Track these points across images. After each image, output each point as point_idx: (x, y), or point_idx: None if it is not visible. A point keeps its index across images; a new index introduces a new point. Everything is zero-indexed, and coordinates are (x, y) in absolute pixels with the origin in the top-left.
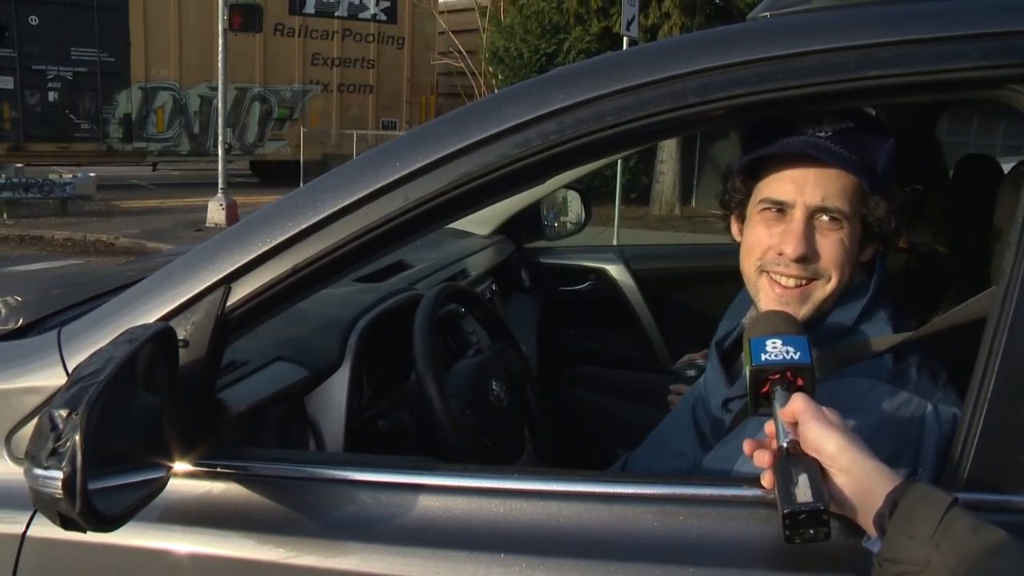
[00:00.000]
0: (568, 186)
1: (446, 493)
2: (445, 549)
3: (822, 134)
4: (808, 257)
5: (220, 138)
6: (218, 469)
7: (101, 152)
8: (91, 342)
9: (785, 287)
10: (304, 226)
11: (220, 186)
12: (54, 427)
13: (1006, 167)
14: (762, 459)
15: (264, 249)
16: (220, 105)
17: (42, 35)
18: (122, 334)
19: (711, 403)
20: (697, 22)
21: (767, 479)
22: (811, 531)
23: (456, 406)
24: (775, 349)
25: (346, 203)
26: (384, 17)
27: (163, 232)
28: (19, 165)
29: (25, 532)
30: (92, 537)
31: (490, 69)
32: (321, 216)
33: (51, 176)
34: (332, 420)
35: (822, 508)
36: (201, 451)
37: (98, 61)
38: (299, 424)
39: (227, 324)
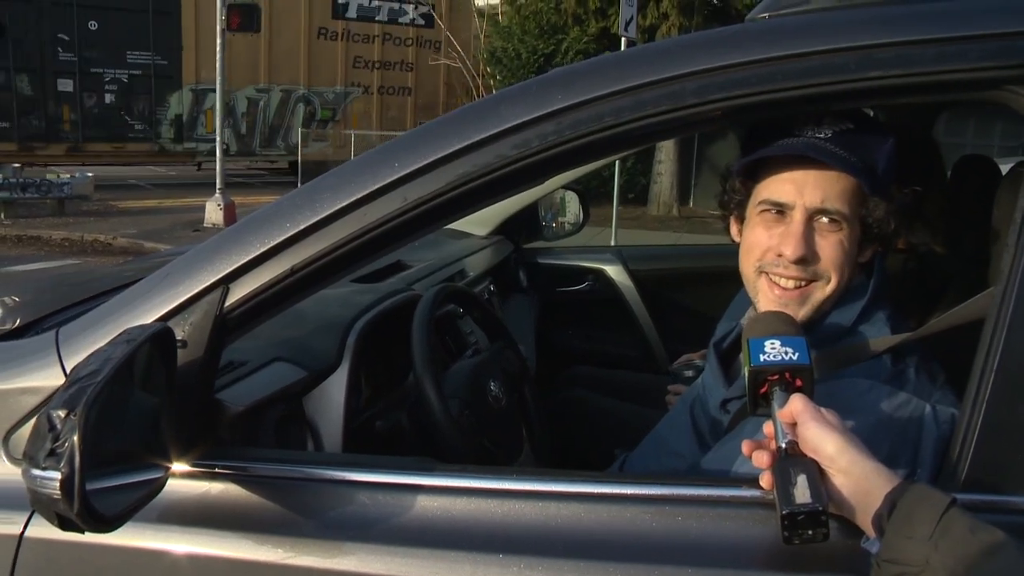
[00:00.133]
0: (566, 187)
1: (444, 494)
2: (443, 549)
3: (821, 135)
4: (807, 259)
5: (218, 138)
6: (216, 470)
7: (153, 152)
8: (89, 342)
9: (784, 288)
10: (302, 227)
11: (218, 186)
12: (52, 428)
13: (1004, 168)
14: (760, 460)
15: (262, 250)
16: (218, 105)
17: (100, 40)
18: (120, 334)
19: (709, 404)
20: (695, 23)
21: (766, 480)
22: (810, 532)
23: (454, 406)
24: (774, 350)
25: (344, 204)
26: (422, 22)
27: (161, 232)
28: (16, 165)
29: (23, 532)
30: (90, 538)
31: (488, 70)
32: (319, 217)
33: (49, 176)
34: (330, 420)
35: (821, 509)
36: (199, 451)
37: (152, 64)
38: (297, 424)
39: (225, 324)
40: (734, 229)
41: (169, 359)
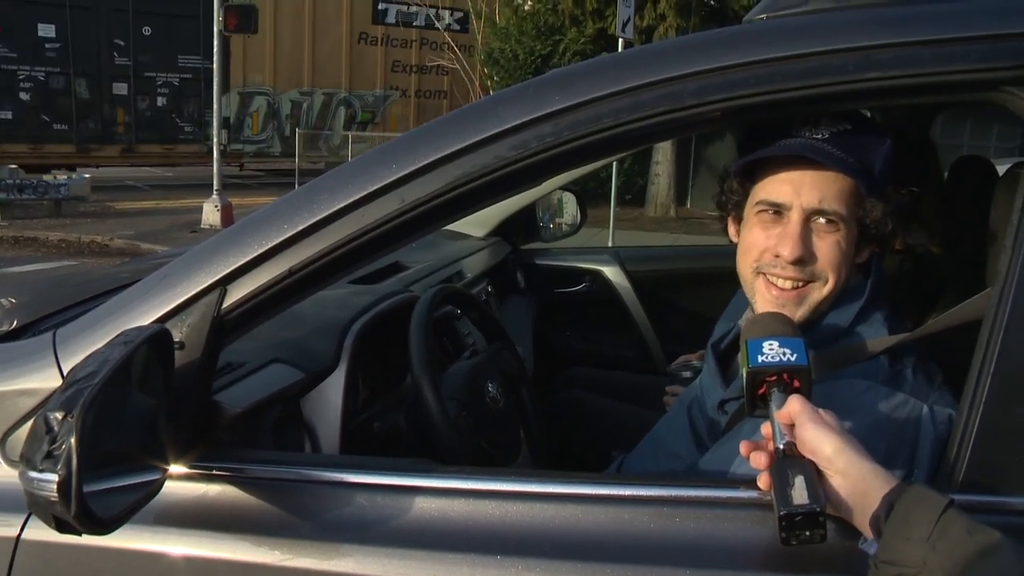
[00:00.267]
0: (564, 188)
1: (442, 495)
2: (441, 551)
3: (819, 136)
4: (805, 259)
5: (215, 139)
6: (214, 471)
7: (202, 153)
8: (86, 344)
9: (782, 289)
10: (300, 228)
11: (215, 187)
12: (49, 430)
13: (1000, 169)
14: (758, 461)
15: (260, 251)
16: (215, 106)
17: (153, 44)
18: (118, 336)
19: (707, 405)
20: (692, 24)
21: (763, 481)
22: (807, 533)
23: (452, 408)
24: (772, 351)
25: (342, 205)
26: (457, 27)
27: (158, 233)
28: (13, 166)
29: (19, 535)
30: (87, 540)
31: (485, 70)
32: (317, 218)
33: (45, 177)
34: (328, 422)
35: (818, 510)
36: (197, 453)
37: (202, 68)
38: (295, 426)
39: (223, 326)
40: (732, 230)
41: (167, 361)
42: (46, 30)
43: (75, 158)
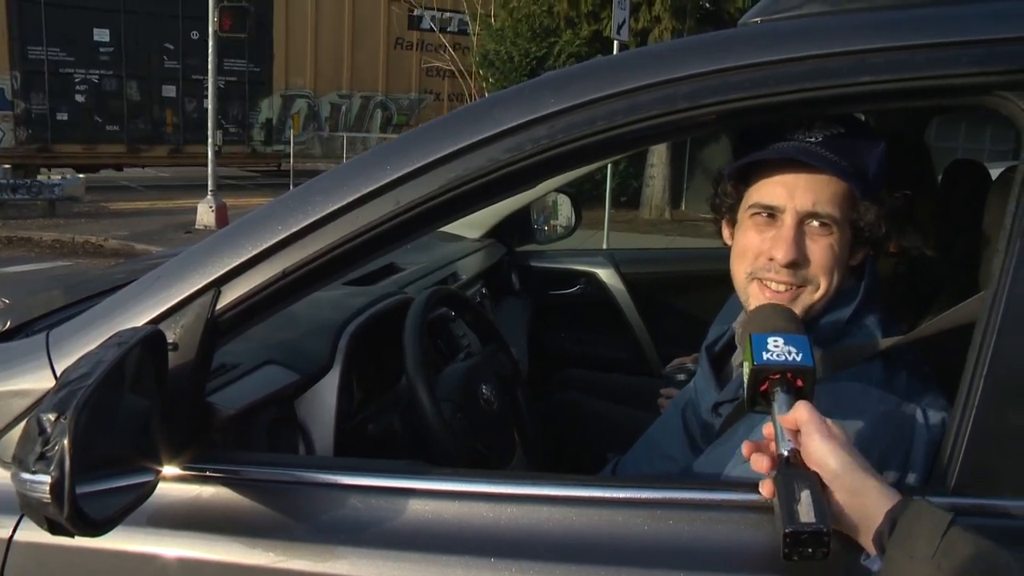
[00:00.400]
0: (559, 190)
1: (436, 497)
2: (435, 553)
3: (813, 139)
4: (798, 262)
5: (209, 140)
6: (207, 473)
7: (246, 154)
8: (80, 345)
9: (776, 292)
10: (294, 229)
11: (209, 188)
12: (42, 431)
13: (994, 173)
14: (760, 463)
15: (254, 252)
16: (210, 107)
17: (201, 48)
18: (111, 337)
19: (701, 407)
20: (687, 26)
21: (767, 489)
22: (810, 550)
23: (446, 410)
24: (777, 348)
25: (337, 206)
26: None
27: (152, 234)
28: (7, 166)
29: (11, 537)
30: (80, 542)
31: (480, 72)
32: (311, 219)
33: (39, 177)
34: (322, 424)
35: (825, 530)
36: (190, 455)
37: (247, 71)
38: (289, 428)
39: (217, 327)
40: (726, 232)
41: (160, 362)
42: (101, 35)
43: (125, 158)
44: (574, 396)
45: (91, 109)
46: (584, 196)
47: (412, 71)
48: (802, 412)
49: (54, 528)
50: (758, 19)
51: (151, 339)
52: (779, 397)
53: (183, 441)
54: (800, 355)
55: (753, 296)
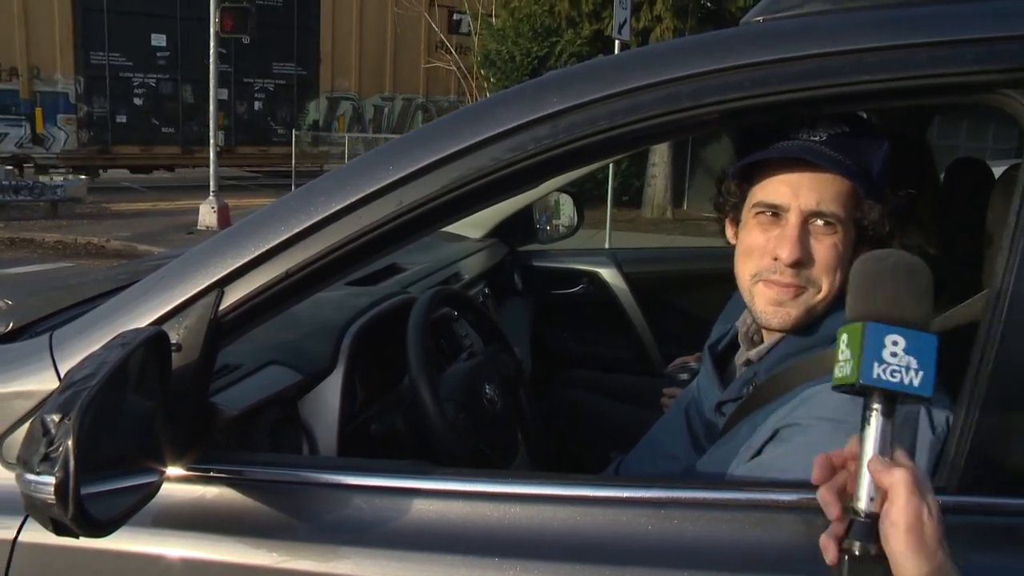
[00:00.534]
0: (561, 189)
1: (440, 497)
2: (439, 553)
3: (817, 138)
4: (803, 262)
5: (211, 141)
6: (211, 473)
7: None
8: (83, 346)
9: (781, 286)
10: (297, 230)
11: (212, 189)
12: (46, 432)
13: (997, 171)
14: (828, 501)
15: (257, 253)
16: (211, 107)
17: (251, 52)
18: (114, 338)
19: (704, 406)
20: (689, 26)
21: (830, 553)
22: None
23: (449, 409)
24: (895, 359)
25: (339, 207)
26: None
27: (154, 235)
28: (9, 167)
29: (16, 537)
30: (84, 542)
31: (481, 72)
32: (314, 220)
33: (42, 178)
34: (325, 424)
35: None
36: (194, 455)
37: (295, 74)
38: (292, 428)
39: (220, 328)
40: (730, 232)
41: (164, 363)
42: (158, 40)
43: (179, 159)
44: (577, 396)
45: (148, 112)
46: (586, 195)
47: (451, 74)
48: (899, 482)
49: (59, 529)
50: (760, 18)
51: (154, 340)
52: (876, 420)
53: (187, 442)
54: (920, 375)
55: (758, 296)
